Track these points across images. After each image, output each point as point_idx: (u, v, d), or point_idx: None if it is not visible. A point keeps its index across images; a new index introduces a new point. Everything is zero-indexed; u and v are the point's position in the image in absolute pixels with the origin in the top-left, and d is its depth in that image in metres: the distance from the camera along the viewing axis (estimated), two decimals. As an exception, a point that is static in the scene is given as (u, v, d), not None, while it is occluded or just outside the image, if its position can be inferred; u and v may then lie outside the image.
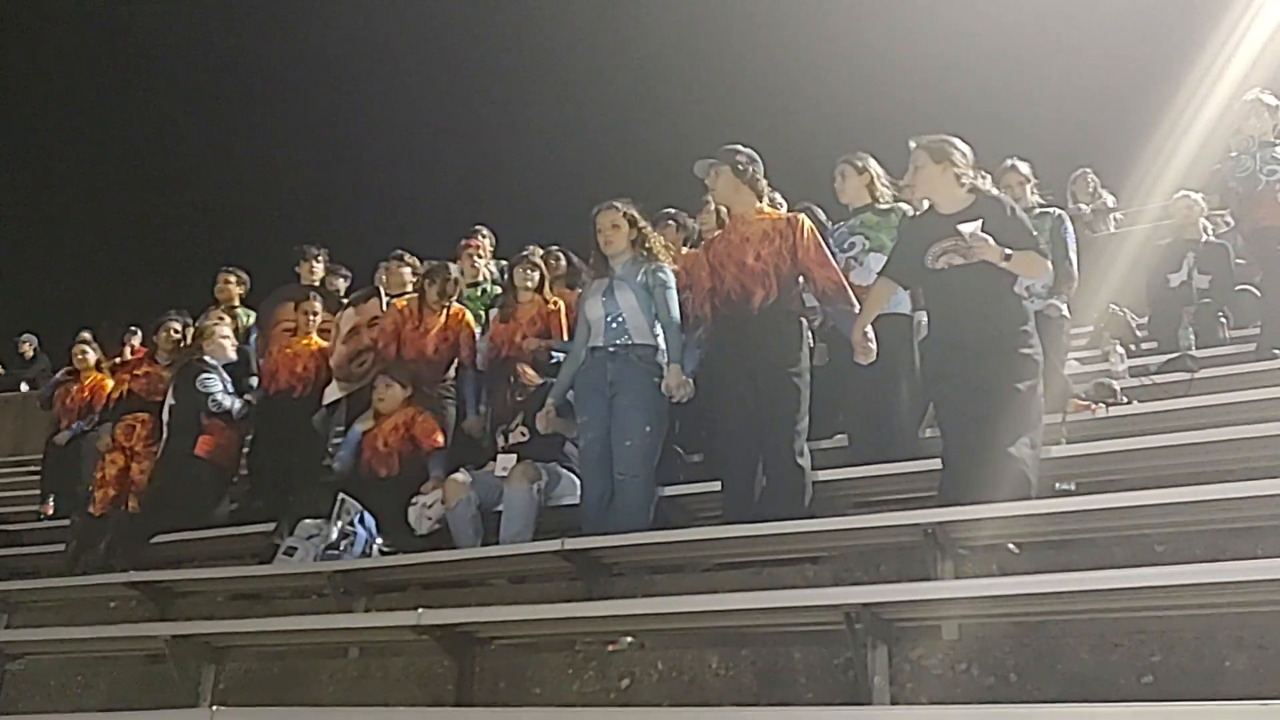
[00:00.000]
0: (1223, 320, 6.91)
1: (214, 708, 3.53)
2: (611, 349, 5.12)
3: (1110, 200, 9.80)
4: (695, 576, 4.76)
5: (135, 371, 7.35)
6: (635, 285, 5.15)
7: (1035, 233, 4.61)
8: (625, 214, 5.22)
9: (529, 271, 6.36)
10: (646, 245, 5.22)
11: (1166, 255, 7.46)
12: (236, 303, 8.11)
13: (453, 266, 6.66)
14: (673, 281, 5.20)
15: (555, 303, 6.36)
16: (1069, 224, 6.01)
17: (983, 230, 4.38)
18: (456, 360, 6.48)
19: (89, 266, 20.60)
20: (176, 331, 7.34)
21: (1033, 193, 6.04)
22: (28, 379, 13.96)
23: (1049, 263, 4.62)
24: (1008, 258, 4.36)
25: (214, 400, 6.55)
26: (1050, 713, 2.52)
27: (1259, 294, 6.91)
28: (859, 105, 16.91)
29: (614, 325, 5.12)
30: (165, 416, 6.73)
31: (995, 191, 4.88)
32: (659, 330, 5.15)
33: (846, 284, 5.04)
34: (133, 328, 9.84)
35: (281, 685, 4.56)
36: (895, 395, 5.17)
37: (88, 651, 5.19)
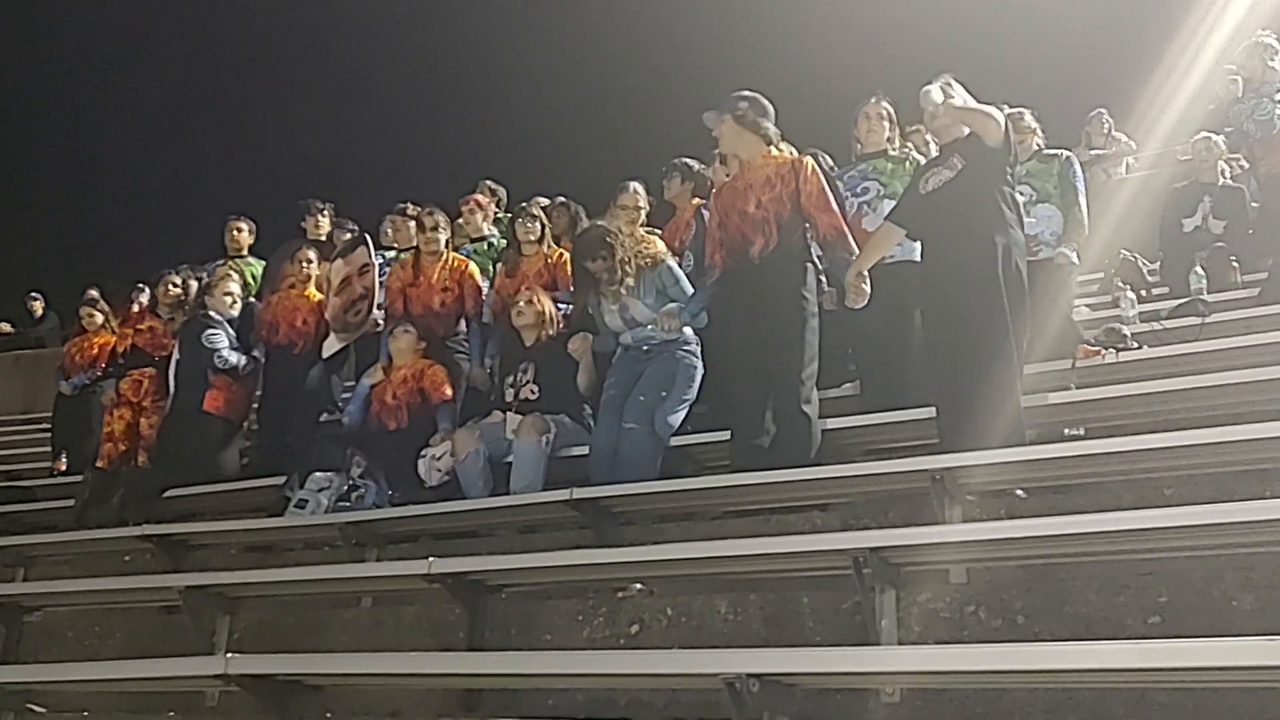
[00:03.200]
0: (1235, 264, 6.85)
1: (229, 655, 3.57)
2: (645, 348, 5.31)
3: (1125, 141, 9.67)
4: (704, 524, 4.78)
5: (138, 326, 7.35)
6: (650, 298, 5.26)
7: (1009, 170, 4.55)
8: (609, 242, 5.27)
9: (530, 224, 6.34)
10: (636, 255, 5.30)
11: (1181, 199, 7.36)
12: (246, 252, 8.04)
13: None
14: (679, 271, 5.39)
15: (560, 254, 6.33)
16: (1077, 166, 5.88)
17: (961, 168, 4.47)
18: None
19: (95, 223, 20.60)
20: (175, 286, 7.35)
21: (1036, 141, 5.91)
22: (36, 337, 14.01)
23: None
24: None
25: (219, 356, 6.53)
26: (1056, 652, 2.53)
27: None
28: (859, 49, 16.70)
29: (640, 330, 5.31)
30: (171, 371, 6.73)
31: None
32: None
33: (848, 231, 4.98)
34: (140, 285, 9.83)
35: (295, 635, 4.61)
36: (907, 342, 5.15)
37: (103, 603, 5.25)
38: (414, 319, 6.26)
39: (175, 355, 6.74)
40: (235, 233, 8.05)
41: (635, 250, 5.34)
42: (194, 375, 6.58)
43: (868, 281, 4.67)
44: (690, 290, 5.28)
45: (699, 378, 5.27)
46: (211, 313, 6.70)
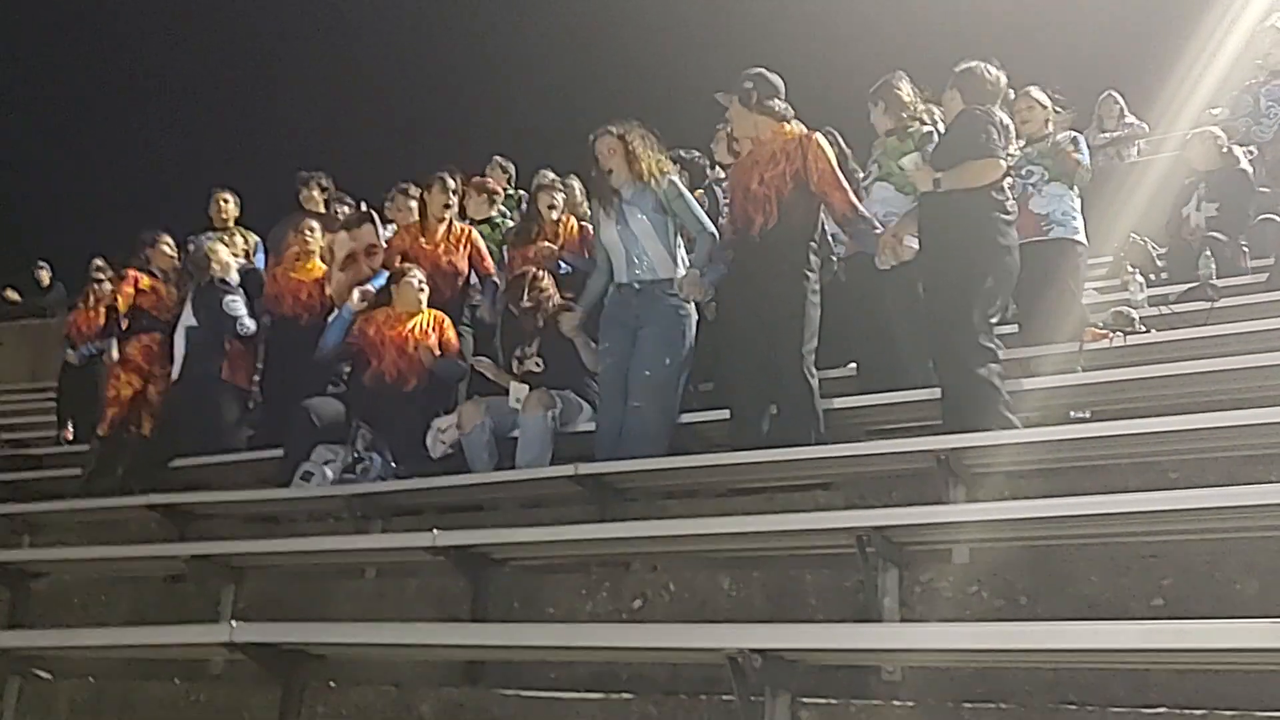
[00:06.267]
0: (1245, 250, 6.82)
1: (233, 624, 3.59)
2: (637, 286, 5.15)
3: (1137, 123, 9.59)
4: (707, 501, 4.80)
5: (140, 287, 7.30)
6: (649, 209, 5.12)
7: (989, 139, 4.58)
8: (621, 136, 5.19)
9: (555, 195, 6.40)
10: (651, 165, 5.18)
11: (1184, 190, 7.32)
12: (232, 224, 8.06)
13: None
14: (683, 187, 5.22)
15: (567, 217, 6.38)
16: (1083, 142, 5.80)
17: (940, 146, 4.70)
18: (473, 279, 6.49)
19: (102, 193, 20.58)
20: (170, 247, 7.36)
21: (1048, 122, 5.83)
22: (44, 307, 14.02)
23: (997, 162, 4.60)
24: (938, 183, 4.55)
25: (242, 324, 6.58)
26: (1058, 631, 2.53)
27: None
28: (879, 26, 16.57)
29: (636, 260, 5.15)
30: (181, 337, 6.69)
31: (973, 109, 4.78)
32: (681, 257, 5.16)
33: (859, 205, 5.00)
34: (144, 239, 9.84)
35: (300, 604, 4.63)
36: (901, 323, 5.16)
37: (110, 571, 5.29)
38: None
39: (188, 322, 6.70)
40: (222, 203, 8.07)
41: (651, 161, 5.19)
42: (209, 343, 6.58)
43: (903, 241, 4.76)
44: (698, 211, 5.18)
45: (694, 324, 5.15)
46: (228, 279, 6.71)
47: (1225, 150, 7.26)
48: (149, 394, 6.93)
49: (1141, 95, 9.97)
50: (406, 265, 6.11)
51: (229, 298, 6.61)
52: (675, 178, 5.27)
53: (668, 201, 5.14)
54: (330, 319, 6.22)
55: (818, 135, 5.02)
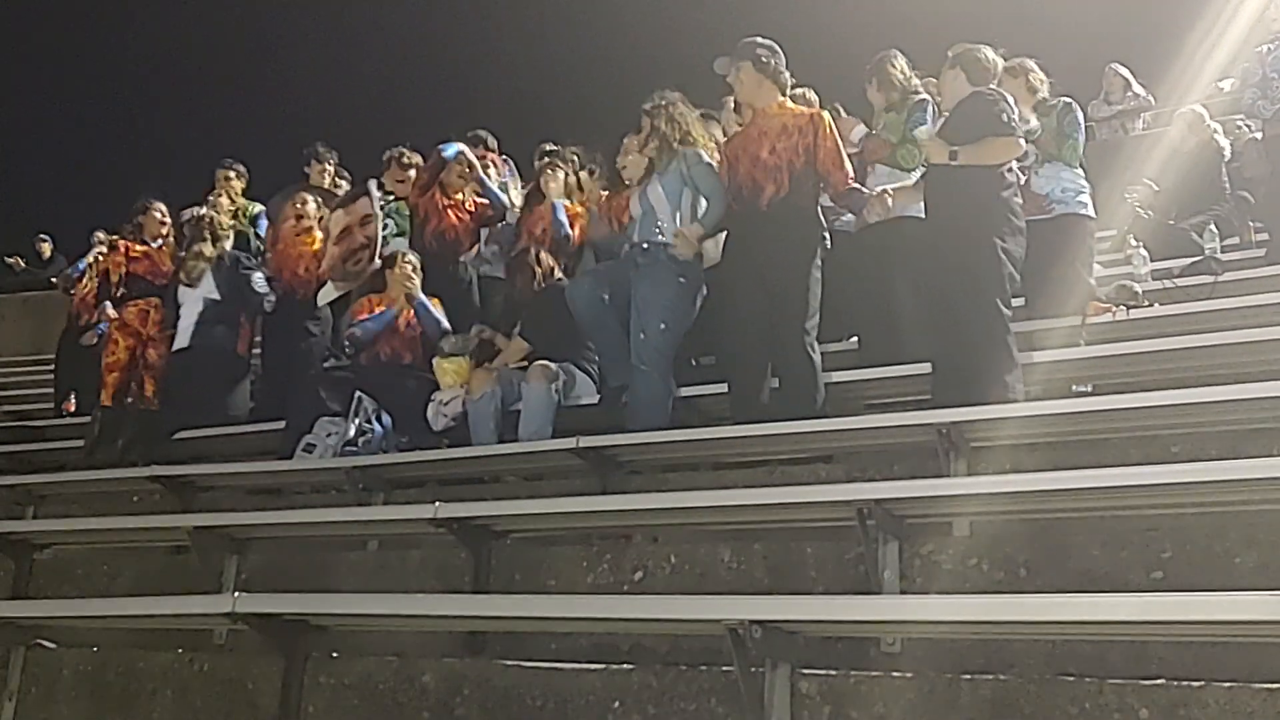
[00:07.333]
0: (1251, 224, 6.81)
1: (236, 594, 3.60)
2: (644, 245, 5.14)
3: (1143, 96, 9.52)
4: (709, 475, 4.81)
5: (132, 254, 7.24)
6: (669, 177, 5.12)
7: (1009, 120, 4.60)
8: (656, 110, 5.20)
9: (557, 171, 6.40)
10: (680, 137, 5.16)
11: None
12: (239, 197, 8.04)
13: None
14: (707, 158, 5.15)
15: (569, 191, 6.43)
16: (1078, 114, 5.76)
17: (950, 123, 4.71)
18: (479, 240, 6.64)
19: (105, 165, 20.53)
20: (162, 213, 7.35)
21: (1035, 92, 5.75)
22: (46, 278, 14.00)
23: (1017, 141, 4.64)
24: (954, 155, 4.53)
25: (268, 300, 6.63)
26: (1057, 604, 2.54)
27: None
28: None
29: (647, 223, 5.16)
30: (198, 305, 6.64)
31: (985, 90, 4.77)
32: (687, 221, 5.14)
33: (857, 182, 5.06)
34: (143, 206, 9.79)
35: (302, 576, 4.64)
36: (905, 297, 5.16)
37: (112, 542, 5.30)
38: (441, 232, 6.39)
39: (209, 294, 6.66)
40: (227, 178, 8.02)
41: (684, 130, 5.17)
42: (229, 316, 6.62)
43: (891, 198, 4.89)
44: (717, 187, 5.09)
45: (695, 293, 5.14)
46: (244, 255, 6.76)
47: (1205, 128, 7.23)
48: (148, 356, 6.89)
49: (1152, 68, 9.91)
50: (403, 251, 6.18)
51: (256, 275, 6.68)
52: (701, 149, 5.19)
53: (688, 169, 5.10)
54: (375, 314, 6.10)
55: (827, 114, 5.06)
